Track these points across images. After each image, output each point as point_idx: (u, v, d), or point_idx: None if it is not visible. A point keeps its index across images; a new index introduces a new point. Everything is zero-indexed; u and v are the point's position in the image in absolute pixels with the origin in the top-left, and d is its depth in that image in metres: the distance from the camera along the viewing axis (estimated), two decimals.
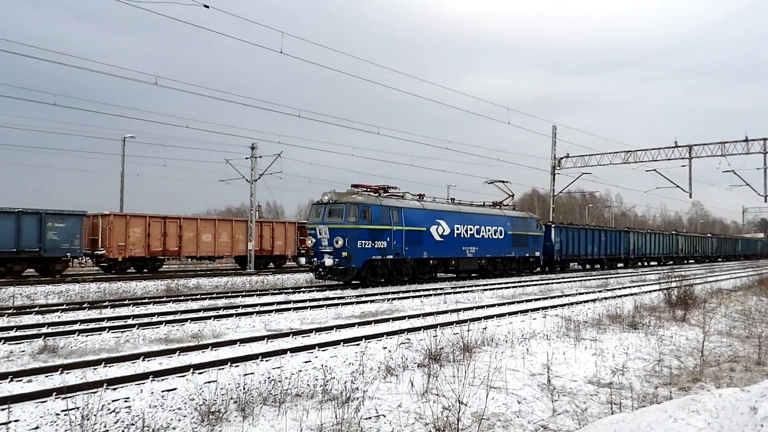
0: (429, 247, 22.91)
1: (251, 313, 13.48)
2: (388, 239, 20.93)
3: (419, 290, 19.85)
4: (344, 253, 19.77)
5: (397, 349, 9.13)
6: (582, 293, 20.04)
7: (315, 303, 15.55)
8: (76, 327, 11.06)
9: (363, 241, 20.05)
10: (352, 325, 11.84)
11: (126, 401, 6.30)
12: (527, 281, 25.31)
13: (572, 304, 16.29)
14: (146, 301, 15.75)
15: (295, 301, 16.03)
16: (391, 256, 21.17)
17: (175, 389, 6.73)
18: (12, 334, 10.17)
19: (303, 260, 21.64)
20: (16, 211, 22.58)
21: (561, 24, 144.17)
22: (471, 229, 25.19)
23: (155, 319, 12.31)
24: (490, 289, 21.09)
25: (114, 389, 6.66)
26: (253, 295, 17.85)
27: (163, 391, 6.64)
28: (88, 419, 5.43)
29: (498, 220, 27.32)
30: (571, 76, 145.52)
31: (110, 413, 5.95)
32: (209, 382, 6.92)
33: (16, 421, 5.55)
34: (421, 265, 23.03)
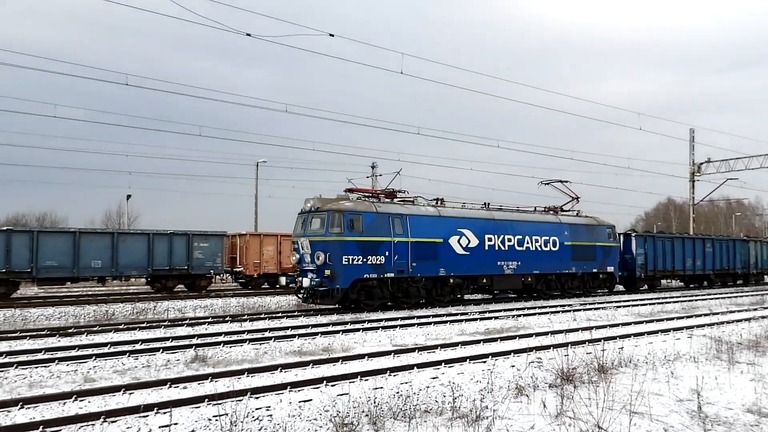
0: (448, 263, 18.89)
1: (376, 328, 13.80)
2: (387, 253, 17.41)
3: (537, 307, 19.08)
4: (327, 271, 16.44)
5: (526, 368, 8.84)
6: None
7: (438, 319, 15.56)
8: (221, 339, 12.03)
9: (350, 256, 16.70)
10: (477, 341, 11.68)
11: (268, 410, 6.72)
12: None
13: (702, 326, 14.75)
14: (280, 315, 16.72)
15: (418, 317, 16.17)
16: (391, 274, 17.53)
17: (310, 400, 7.06)
18: (168, 344, 11.30)
19: (283, 280, 18.10)
20: (168, 233, 25.19)
21: (696, 20, 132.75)
22: (510, 240, 20.77)
23: (289, 332, 13.02)
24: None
25: (257, 398, 7.14)
26: (377, 310, 18.27)
27: (300, 402, 7.00)
28: (235, 425, 5.88)
29: (550, 228, 22.48)
30: (711, 74, 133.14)
31: (254, 420, 6.38)
32: (342, 395, 7.18)
33: (175, 424, 6.14)
34: (438, 285, 19.10)
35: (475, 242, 19.72)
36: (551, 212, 23.84)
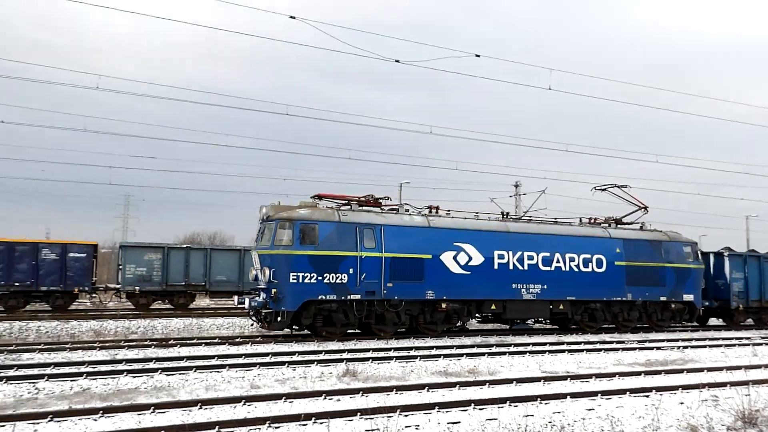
0: (439, 283, 15.60)
1: (523, 353, 13.34)
2: (352, 270, 14.59)
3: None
4: (273, 290, 14.05)
5: (699, 407, 7.95)
6: None
7: (590, 346, 14.63)
8: (369, 355, 12.44)
9: (300, 273, 14.13)
10: (638, 373, 10.77)
11: (417, 428, 6.79)
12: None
13: None
14: (426, 335, 16.84)
15: (568, 343, 15.34)
16: (357, 296, 14.74)
17: (459, 422, 7.01)
18: (321, 357, 11.95)
19: (236, 299, 15.70)
20: None
21: None
22: (531, 258, 16.91)
23: (434, 351, 13.08)
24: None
25: (406, 415, 7.26)
26: (522, 334, 17.64)
27: (448, 423, 6.98)
28: None
29: (594, 243, 18.00)
30: None
31: None
32: (490, 419, 7.03)
33: None
34: (426, 311, 15.85)
35: (479, 259, 16.15)
36: (603, 225, 19.47)
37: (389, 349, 13.34)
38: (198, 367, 10.34)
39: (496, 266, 16.41)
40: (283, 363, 11.05)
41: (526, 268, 16.79)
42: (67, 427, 6.63)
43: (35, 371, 9.71)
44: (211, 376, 9.89)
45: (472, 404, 7.75)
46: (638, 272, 18.45)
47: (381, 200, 16.48)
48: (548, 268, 17.09)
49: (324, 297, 14.35)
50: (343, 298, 14.52)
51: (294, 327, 14.95)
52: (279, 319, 14.15)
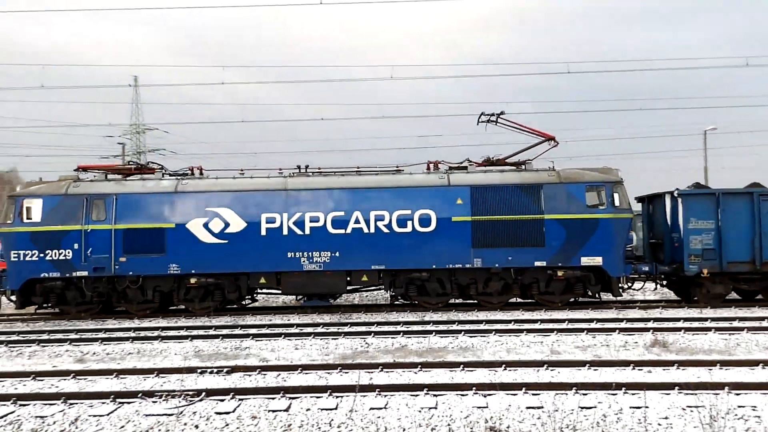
0: (186, 256, 13.63)
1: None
2: (77, 246, 13.54)
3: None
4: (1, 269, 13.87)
5: None
6: None
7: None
8: (680, 324, 11.20)
9: (21, 251, 13.54)
10: None
11: (754, 410, 5.89)
12: None
13: None
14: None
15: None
16: (84, 272, 13.56)
17: None
18: (623, 325, 11.22)
19: None
20: None
21: None
22: (316, 219, 13.78)
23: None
24: None
25: (737, 394, 6.35)
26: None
27: None
28: (715, 420, 5.36)
29: (415, 195, 13.86)
30: None
31: (738, 419, 5.69)
32: None
33: (646, 407, 6.03)
34: (178, 287, 13.90)
35: (239, 225, 13.75)
36: (445, 169, 14.55)
37: (705, 319, 11.78)
38: (497, 331, 10.80)
39: (263, 232, 13.78)
40: (581, 330, 10.76)
41: (308, 232, 13.78)
42: (394, 377, 7.65)
43: (363, 329, 11.44)
44: (510, 340, 10.22)
45: None
46: (493, 229, 13.72)
47: (148, 166, 15.36)
48: (341, 231, 13.79)
49: (47, 275, 13.66)
50: (68, 275, 13.68)
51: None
52: (12, 298, 14.02)
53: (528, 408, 6.17)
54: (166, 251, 13.68)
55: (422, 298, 14.04)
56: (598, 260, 13.55)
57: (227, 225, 13.77)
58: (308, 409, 6.29)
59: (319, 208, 13.82)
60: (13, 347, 10.52)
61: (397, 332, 10.89)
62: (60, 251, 13.63)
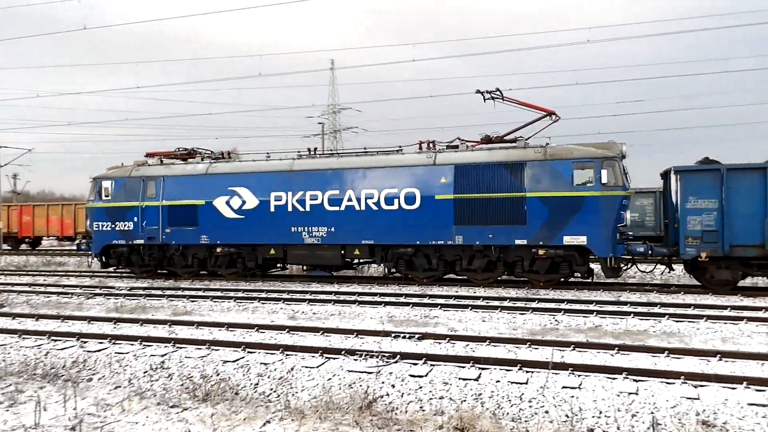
0: (213, 229, 15.98)
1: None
2: (136, 219, 16.77)
3: None
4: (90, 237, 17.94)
5: None
6: None
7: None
8: None
9: (100, 223, 17.22)
10: None
11: None
12: None
13: None
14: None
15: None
16: (141, 241, 16.80)
17: None
18: None
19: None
20: None
21: None
22: (314, 198, 15.06)
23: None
24: None
25: None
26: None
27: None
28: None
29: (402, 174, 14.34)
30: None
31: None
32: None
33: None
34: (209, 255, 16.47)
35: (253, 203, 15.65)
36: (436, 148, 14.82)
37: None
38: (709, 317, 9.66)
39: (272, 209, 15.49)
40: None
41: (308, 209, 15.17)
42: (588, 357, 7.31)
43: (552, 305, 11.07)
44: (725, 328, 9.08)
45: None
46: (475, 207, 13.80)
47: (199, 152, 17.63)
48: (336, 208, 14.93)
49: (117, 242, 17.07)
50: (130, 242, 16.90)
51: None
52: (97, 260, 17.82)
53: (750, 405, 5.46)
54: (198, 224, 16.13)
55: (411, 272, 14.78)
56: (582, 239, 13.05)
57: (244, 202, 15.75)
58: (498, 381, 6.34)
59: (317, 187, 15.11)
60: (240, 303, 12.29)
61: (590, 311, 10.34)
62: (125, 223, 16.88)
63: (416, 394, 6.18)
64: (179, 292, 13.72)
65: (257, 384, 6.76)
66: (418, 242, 14.29)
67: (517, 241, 13.52)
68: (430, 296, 12.49)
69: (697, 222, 12.48)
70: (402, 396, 6.17)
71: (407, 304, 11.52)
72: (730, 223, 12.21)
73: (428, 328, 9.34)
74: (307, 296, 12.72)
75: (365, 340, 8.41)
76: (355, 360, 7.21)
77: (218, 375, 7.00)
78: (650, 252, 13.14)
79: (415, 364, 6.98)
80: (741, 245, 12.19)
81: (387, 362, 7.04)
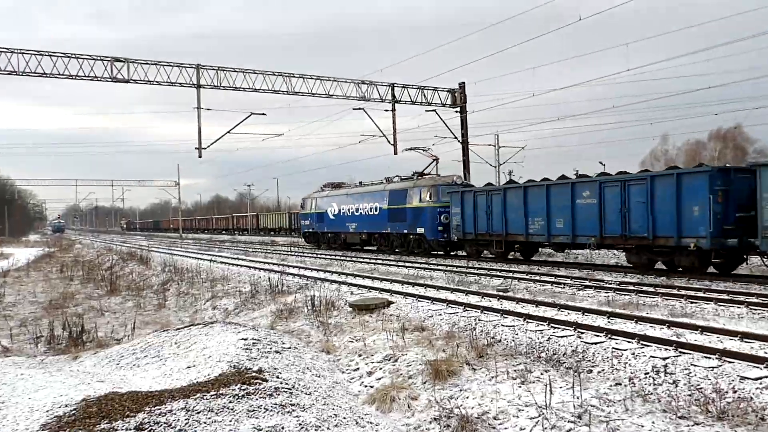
0: (326, 223, 33.25)
1: None
2: (310, 221, 35.96)
3: None
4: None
5: None
6: None
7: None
8: None
9: (305, 221, 36.86)
10: None
11: None
12: None
13: None
14: None
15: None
16: (316, 231, 35.07)
17: None
18: None
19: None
20: None
21: None
22: (356, 209, 30.24)
23: None
24: None
25: None
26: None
27: None
28: None
29: (376, 195, 28.51)
30: None
31: None
32: None
33: None
34: (334, 235, 32.99)
35: (336, 210, 31.93)
36: (412, 179, 27.09)
37: None
38: None
39: (339, 213, 31.78)
40: None
41: (350, 214, 30.52)
42: None
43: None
44: None
45: None
46: (393, 213, 26.93)
47: (339, 183, 35.34)
48: (358, 213, 29.85)
49: (308, 230, 36.29)
50: (315, 231, 35.43)
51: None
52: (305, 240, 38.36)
53: None
54: (324, 221, 33.16)
55: (385, 247, 28.18)
56: (422, 230, 25.11)
57: (335, 210, 32.08)
58: None
59: (354, 202, 30.18)
60: (754, 310, 10.23)
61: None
62: (307, 222, 35.69)
63: None
64: (673, 291, 12.56)
65: None
66: (380, 231, 28.15)
67: (404, 231, 26.32)
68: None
69: (456, 221, 22.84)
70: None
71: None
72: (466, 221, 22.00)
73: None
74: None
75: None
76: None
77: (735, 392, 5.88)
78: (442, 237, 24.57)
79: None
80: (473, 233, 21.74)
81: None
